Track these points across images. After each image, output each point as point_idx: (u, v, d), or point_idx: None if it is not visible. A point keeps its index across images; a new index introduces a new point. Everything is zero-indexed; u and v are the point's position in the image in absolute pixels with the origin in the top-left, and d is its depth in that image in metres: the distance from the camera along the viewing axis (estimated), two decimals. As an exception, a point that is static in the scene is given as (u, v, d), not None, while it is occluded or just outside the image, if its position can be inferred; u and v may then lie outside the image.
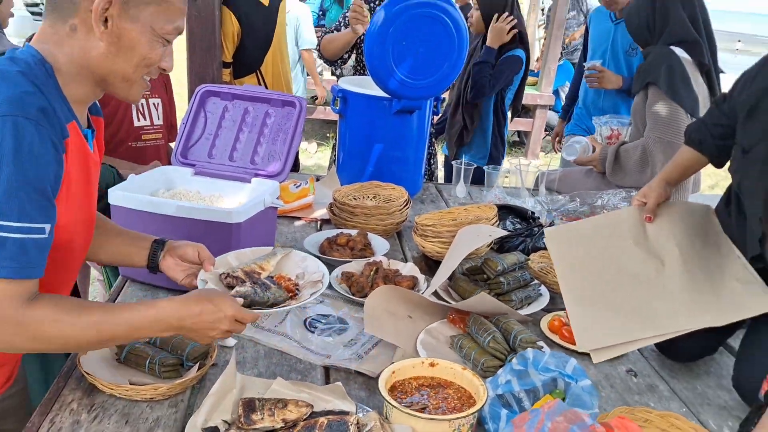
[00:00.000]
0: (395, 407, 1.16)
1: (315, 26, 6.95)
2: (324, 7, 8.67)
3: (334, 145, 3.22)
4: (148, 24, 1.08)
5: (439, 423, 1.15)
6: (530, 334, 1.45)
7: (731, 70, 2.60)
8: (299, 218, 2.31)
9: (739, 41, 21.04)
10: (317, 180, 2.59)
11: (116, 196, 1.59)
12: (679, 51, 2.42)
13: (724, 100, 1.63)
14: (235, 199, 1.82)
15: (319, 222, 2.30)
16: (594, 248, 1.64)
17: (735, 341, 1.58)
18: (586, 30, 3.33)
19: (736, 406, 1.40)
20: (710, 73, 2.51)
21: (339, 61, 2.84)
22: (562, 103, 3.89)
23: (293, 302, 1.35)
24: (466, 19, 2.54)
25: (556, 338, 1.58)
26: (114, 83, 1.12)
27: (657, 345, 1.56)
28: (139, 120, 2.21)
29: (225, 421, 1.14)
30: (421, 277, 1.79)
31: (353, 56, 2.90)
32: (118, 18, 1.05)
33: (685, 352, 1.53)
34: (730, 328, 1.49)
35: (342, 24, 2.86)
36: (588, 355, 1.49)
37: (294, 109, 1.93)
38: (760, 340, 1.41)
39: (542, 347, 1.44)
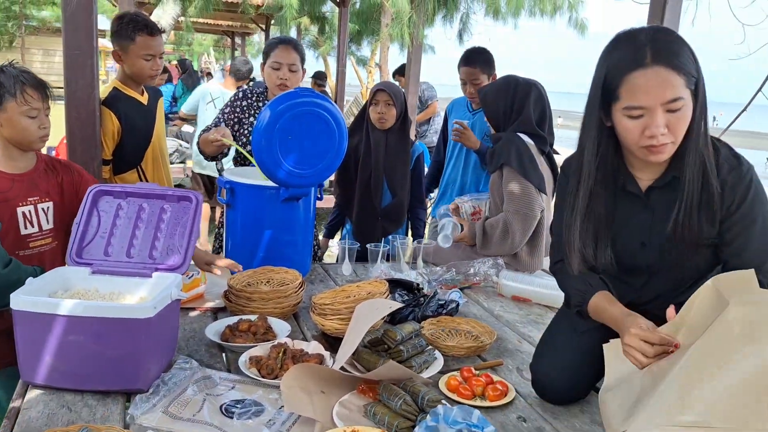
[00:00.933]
0: (328, 475, 1.26)
1: (167, 112, 7.08)
2: (176, 95, 8.86)
3: (217, 234, 3.28)
4: None
5: (370, 483, 1.25)
6: (436, 394, 1.61)
7: (556, 143, 3.08)
8: (193, 308, 2.34)
9: (560, 117, 24.33)
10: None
11: (19, 300, 1.56)
12: (524, 137, 2.84)
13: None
14: (136, 295, 1.84)
15: (212, 311, 2.34)
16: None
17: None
18: (445, 120, 3.73)
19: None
20: (550, 154, 2.97)
21: (219, 156, 2.95)
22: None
23: None
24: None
25: (454, 396, 1.75)
26: None
27: (536, 389, 1.80)
28: (26, 228, 2.16)
29: None
30: (326, 354, 1.90)
31: (233, 149, 3.03)
32: None
33: (563, 397, 1.77)
34: (598, 374, 1.74)
35: (220, 120, 2.99)
36: (485, 407, 1.68)
37: (190, 204, 2.00)
38: (552, 341, 1.74)
39: (446, 404, 1.60)
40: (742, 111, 3.51)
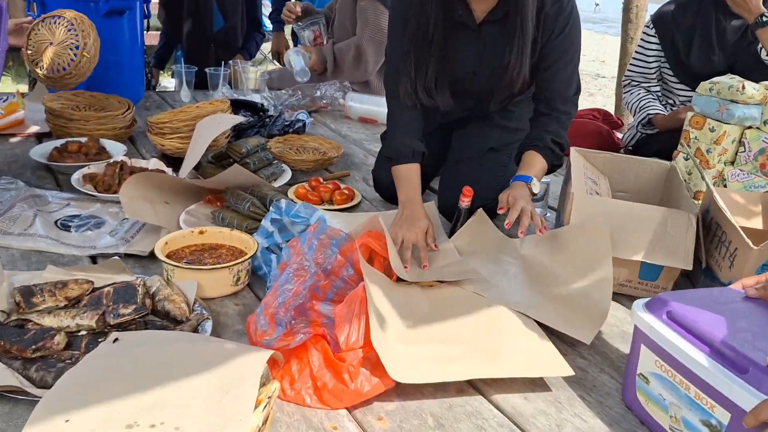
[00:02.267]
0: (177, 266, 1.27)
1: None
2: None
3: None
4: None
5: (220, 271, 1.29)
6: (283, 196, 1.63)
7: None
8: (13, 135, 2.12)
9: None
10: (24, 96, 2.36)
11: None
12: None
13: None
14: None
15: (36, 136, 2.13)
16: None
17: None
18: None
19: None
20: None
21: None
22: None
23: None
24: None
25: (300, 202, 1.80)
26: None
27: (378, 191, 1.91)
28: None
29: (2, 312, 1.12)
30: (168, 170, 1.83)
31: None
32: None
33: None
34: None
35: None
36: (333, 209, 1.74)
37: (-10, 8, 1.74)
38: (455, 170, 1.81)
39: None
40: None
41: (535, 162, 1.60)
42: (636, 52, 2.42)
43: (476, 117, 1.86)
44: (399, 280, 1.34)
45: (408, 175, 1.64)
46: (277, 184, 1.87)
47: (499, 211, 1.48)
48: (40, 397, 0.88)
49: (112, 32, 2.34)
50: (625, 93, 2.46)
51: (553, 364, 1.16)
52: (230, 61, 2.85)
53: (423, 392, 1.07)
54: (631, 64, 2.44)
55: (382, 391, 1.04)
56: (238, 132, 2.20)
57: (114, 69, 2.38)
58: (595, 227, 1.41)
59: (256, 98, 2.58)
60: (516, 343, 1.18)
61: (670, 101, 2.39)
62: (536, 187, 1.54)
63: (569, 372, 1.13)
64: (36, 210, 1.55)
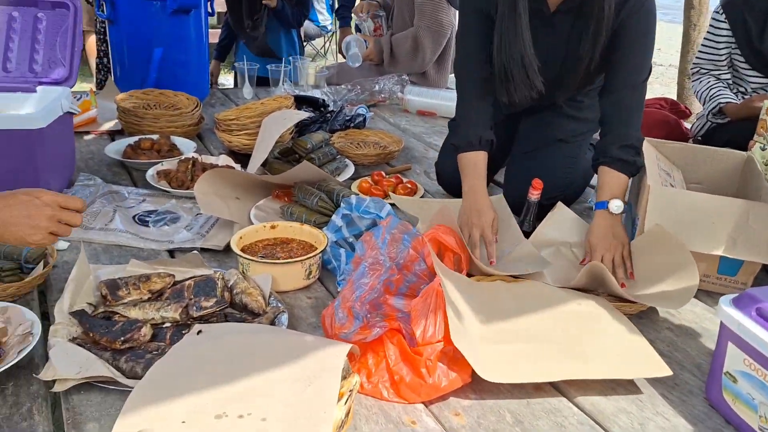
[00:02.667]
0: (252, 260, 1.30)
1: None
2: None
3: (98, 65, 3.03)
4: None
5: (293, 265, 1.31)
6: (349, 191, 1.65)
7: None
8: (87, 132, 2.20)
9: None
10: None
11: None
12: None
13: None
14: (22, 111, 1.70)
15: (108, 134, 2.21)
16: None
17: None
18: None
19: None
20: None
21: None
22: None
23: None
24: None
25: (368, 197, 1.81)
26: None
27: (441, 184, 1.90)
28: None
29: (90, 304, 1.17)
30: (237, 166, 1.88)
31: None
32: None
33: None
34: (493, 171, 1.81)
35: None
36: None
37: (68, 11, 1.81)
38: (522, 161, 1.79)
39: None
40: None
41: (608, 180, 1.50)
42: (705, 39, 2.33)
43: (544, 107, 1.82)
44: (470, 274, 1.34)
45: (474, 162, 1.59)
46: (341, 178, 1.89)
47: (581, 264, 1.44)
48: (131, 387, 0.92)
49: (179, 31, 2.41)
50: (693, 81, 2.38)
51: (650, 364, 1.12)
52: (290, 58, 2.88)
53: (500, 389, 1.06)
54: (699, 51, 2.35)
55: (459, 386, 1.04)
56: (301, 128, 2.22)
57: (181, 67, 2.45)
58: (669, 236, 1.36)
59: (316, 94, 2.61)
60: (609, 342, 1.16)
61: (742, 89, 2.29)
62: (616, 208, 1.45)
63: (667, 371, 1.10)
64: (115, 206, 1.61)
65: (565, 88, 1.71)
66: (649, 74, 1.59)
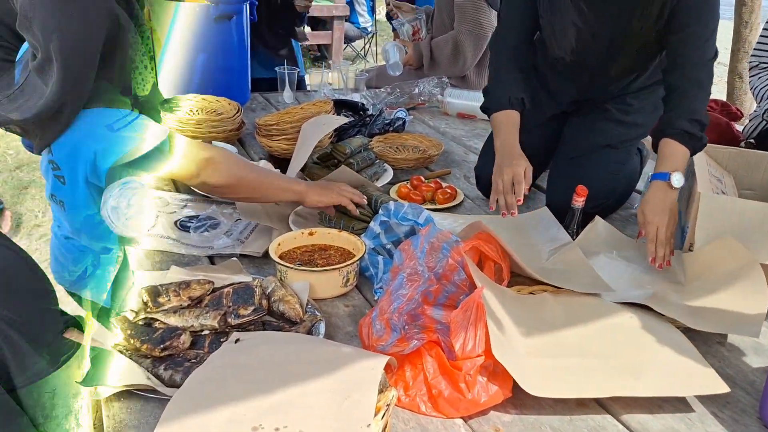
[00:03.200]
0: (290, 268, 1.29)
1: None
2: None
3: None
4: None
5: (331, 273, 1.30)
6: (389, 197, 1.64)
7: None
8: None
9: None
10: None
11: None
12: None
13: None
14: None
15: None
16: None
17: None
18: None
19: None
20: None
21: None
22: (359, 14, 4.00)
23: None
24: None
25: (406, 203, 1.79)
26: None
27: (480, 189, 1.87)
28: None
29: (132, 310, 1.18)
30: (277, 171, 1.88)
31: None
32: None
33: None
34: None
35: None
36: (435, 209, 1.73)
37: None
38: (566, 166, 1.75)
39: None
40: None
41: (671, 152, 1.43)
42: (761, 36, 2.24)
43: (591, 105, 1.77)
44: (509, 285, 1.31)
45: (505, 121, 1.59)
46: (379, 183, 1.88)
47: (638, 238, 1.40)
48: (170, 396, 0.92)
49: (222, 36, 2.43)
50: (752, 77, 2.28)
51: (705, 381, 1.07)
52: (330, 61, 2.89)
53: (541, 404, 1.03)
54: (757, 45, 2.25)
55: (499, 402, 1.02)
56: (340, 132, 2.22)
57: (223, 73, 2.47)
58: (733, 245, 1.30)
59: (356, 97, 2.61)
60: (662, 357, 1.11)
61: (802, 88, 2.19)
62: (677, 181, 1.40)
63: (724, 388, 1.05)
64: (157, 211, 1.63)
65: (616, 68, 1.66)
66: (716, 55, 1.51)
